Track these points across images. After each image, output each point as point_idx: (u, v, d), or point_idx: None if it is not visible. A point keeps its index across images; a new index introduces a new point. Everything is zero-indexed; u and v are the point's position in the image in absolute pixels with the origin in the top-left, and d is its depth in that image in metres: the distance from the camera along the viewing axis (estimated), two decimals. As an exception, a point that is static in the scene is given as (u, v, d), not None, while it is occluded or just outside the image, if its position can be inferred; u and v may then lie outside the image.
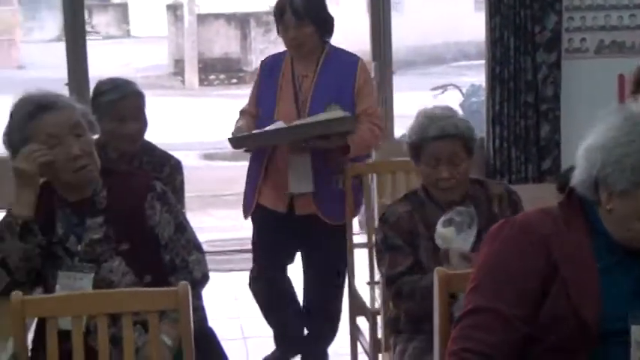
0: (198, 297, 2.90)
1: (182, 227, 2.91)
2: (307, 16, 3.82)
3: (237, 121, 3.99)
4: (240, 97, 3.70)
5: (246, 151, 4.04)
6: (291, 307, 4.17)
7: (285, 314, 4.16)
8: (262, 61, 4.15)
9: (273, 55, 4.14)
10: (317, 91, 3.88)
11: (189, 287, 2.51)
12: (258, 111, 4.01)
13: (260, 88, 4.04)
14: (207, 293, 3.02)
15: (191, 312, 2.52)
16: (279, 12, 3.88)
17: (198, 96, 16.68)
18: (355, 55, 4.02)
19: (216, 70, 18.33)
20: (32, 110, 2.78)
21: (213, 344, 2.89)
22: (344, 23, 16.42)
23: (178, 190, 3.54)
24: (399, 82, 5.95)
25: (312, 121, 3.74)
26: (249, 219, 4.10)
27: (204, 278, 2.92)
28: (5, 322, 2.57)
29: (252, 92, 4.09)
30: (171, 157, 3.62)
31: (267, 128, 3.79)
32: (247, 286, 4.14)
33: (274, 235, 4.02)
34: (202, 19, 18.75)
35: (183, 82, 18.17)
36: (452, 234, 2.93)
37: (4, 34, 17.47)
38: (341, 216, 3.93)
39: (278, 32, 3.97)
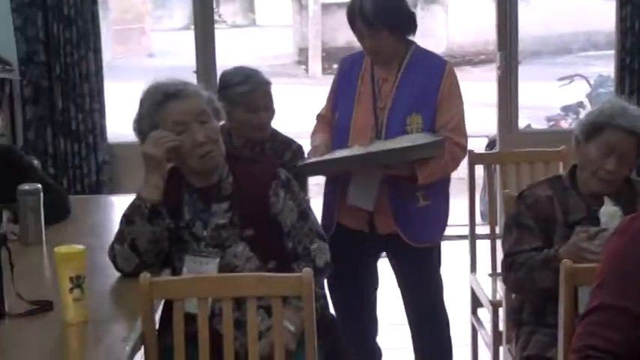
0: (320, 285, 2.93)
1: (305, 215, 2.94)
2: (379, 22, 3.34)
3: (314, 136, 3.58)
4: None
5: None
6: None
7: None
8: (341, 60, 3.69)
9: (353, 54, 3.64)
10: (397, 99, 3.41)
11: (312, 274, 2.53)
12: (334, 116, 3.58)
13: (337, 90, 3.60)
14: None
15: (314, 299, 2.55)
16: (349, 19, 3.45)
17: (321, 84, 16.78)
18: (442, 59, 3.55)
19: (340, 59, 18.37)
20: (160, 98, 2.85)
21: (336, 332, 2.91)
22: (469, 13, 16.25)
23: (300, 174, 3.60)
24: (524, 72, 5.86)
25: (395, 147, 3.28)
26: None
27: (327, 267, 2.94)
28: (135, 303, 2.64)
29: (329, 94, 3.65)
30: (292, 142, 3.67)
31: (344, 154, 3.37)
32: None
33: (356, 257, 3.57)
34: (326, 8, 18.81)
35: (306, 70, 18.28)
36: (618, 214, 2.86)
37: (135, 23, 17.89)
38: (425, 237, 3.50)
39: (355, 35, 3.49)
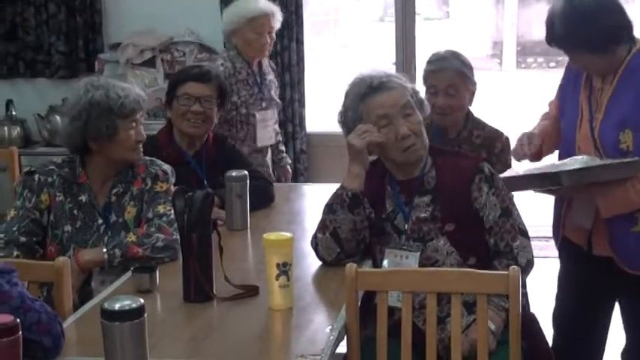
0: (522, 284, 2.86)
1: (508, 211, 2.88)
2: (575, 46, 2.94)
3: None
4: (558, 81, 3.34)
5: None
6: None
7: None
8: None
9: None
10: (610, 114, 2.94)
11: (519, 272, 2.49)
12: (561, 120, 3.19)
13: (564, 89, 3.19)
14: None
15: (520, 298, 2.50)
16: (547, 40, 3.01)
17: (515, 78, 16.51)
18: None
19: (535, 53, 17.97)
20: (364, 91, 2.88)
21: (537, 332, 2.83)
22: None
23: (509, 167, 3.56)
24: None
25: (592, 166, 2.89)
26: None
27: (529, 265, 2.87)
28: (335, 292, 2.68)
29: (557, 91, 3.27)
30: (501, 133, 3.66)
31: (542, 170, 3.06)
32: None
33: (578, 276, 3.23)
34: (523, 0, 18.48)
35: (500, 64, 18.02)
36: None
37: (331, 14, 18.11)
38: None
39: None
